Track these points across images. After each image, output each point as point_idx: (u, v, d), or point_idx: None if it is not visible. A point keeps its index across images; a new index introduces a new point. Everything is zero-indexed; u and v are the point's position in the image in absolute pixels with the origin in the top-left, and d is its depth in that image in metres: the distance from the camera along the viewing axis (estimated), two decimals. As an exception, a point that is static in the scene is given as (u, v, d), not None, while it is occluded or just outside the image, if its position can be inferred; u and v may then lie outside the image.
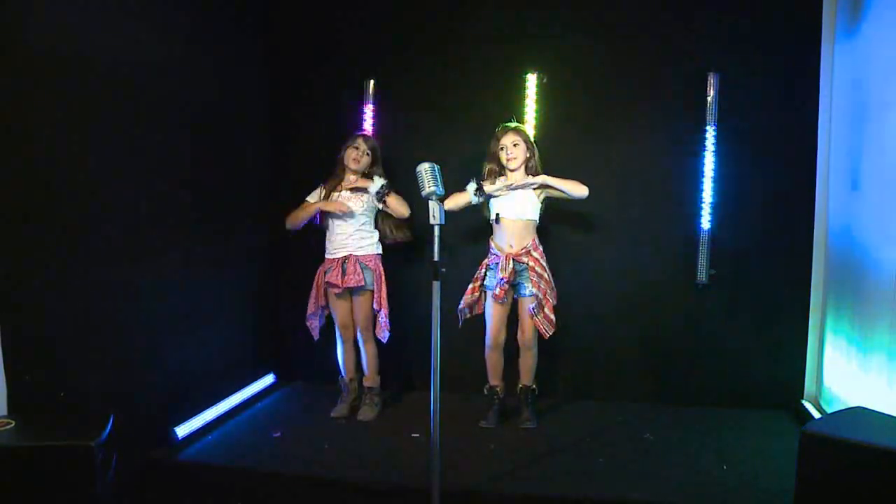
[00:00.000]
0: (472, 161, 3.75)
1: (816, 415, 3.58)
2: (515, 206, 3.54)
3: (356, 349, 3.84)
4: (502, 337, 3.64)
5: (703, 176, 3.80)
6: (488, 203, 3.59)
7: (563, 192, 3.52)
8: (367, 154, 3.72)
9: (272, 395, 4.18)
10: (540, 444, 3.39)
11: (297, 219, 3.71)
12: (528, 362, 3.64)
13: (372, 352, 3.80)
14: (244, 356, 4.12)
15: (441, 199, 2.71)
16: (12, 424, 2.41)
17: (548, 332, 3.53)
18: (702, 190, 3.81)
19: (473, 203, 3.53)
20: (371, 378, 3.83)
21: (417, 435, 3.46)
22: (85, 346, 2.85)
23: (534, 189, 3.55)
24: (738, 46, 3.78)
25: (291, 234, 3.78)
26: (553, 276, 3.61)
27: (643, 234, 3.94)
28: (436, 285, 2.63)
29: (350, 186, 3.68)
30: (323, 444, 3.39)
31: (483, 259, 3.64)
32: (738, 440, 3.42)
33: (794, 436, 2.62)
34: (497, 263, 3.55)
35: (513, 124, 3.64)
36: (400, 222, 3.76)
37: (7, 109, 2.50)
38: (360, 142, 3.72)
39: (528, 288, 3.52)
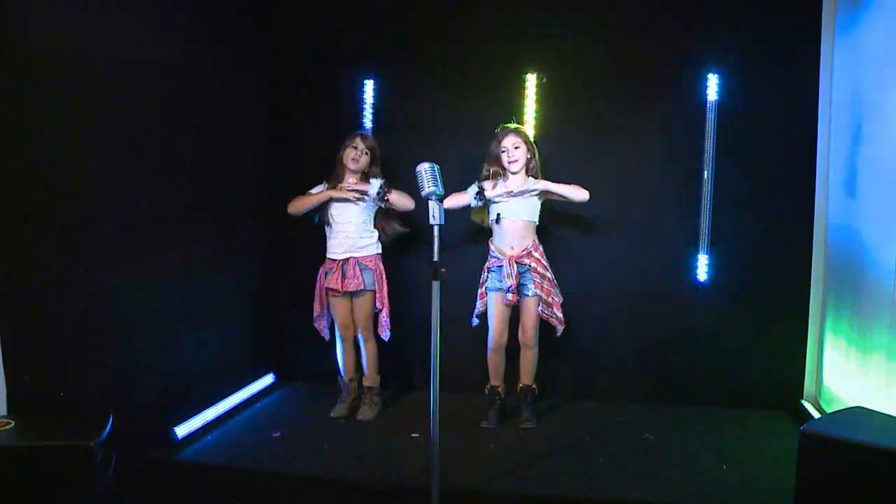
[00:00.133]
0: (471, 161, 3.75)
1: (816, 415, 3.58)
2: (516, 207, 3.54)
3: (356, 349, 3.84)
4: (505, 338, 3.64)
5: (702, 176, 3.80)
6: (488, 207, 3.59)
7: (564, 197, 3.53)
8: (366, 153, 3.72)
9: (272, 395, 4.18)
10: (540, 444, 3.39)
11: (302, 205, 3.70)
12: (528, 362, 3.65)
13: (372, 351, 3.80)
14: (244, 356, 4.12)
15: (441, 199, 2.71)
16: (12, 424, 2.41)
17: (558, 328, 3.57)
18: (701, 190, 3.81)
19: (473, 206, 3.52)
20: (371, 378, 3.83)
21: (417, 435, 3.46)
22: (85, 346, 2.85)
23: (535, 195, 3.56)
24: (738, 46, 3.77)
25: (287, 233, 3.77)
26: (553, 275, 3.61)
27: (643, 233, 3.94)
28: (435, 285, 2.63)
29: (349, 189, 3.67)
30: (323, 444, 3.39)
31: (483, 262, 3.65)
32: (738, 440, 3.42)
33: (793, 436, 2.62)
34: (499, 266, 3.55)
35: (513, 125, 3.64)
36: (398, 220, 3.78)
37: (7, 109, 2.50)
38: (358, 141, 3.72)
39: (531, 289, 3.53)
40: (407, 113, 4.14)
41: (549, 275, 3.56)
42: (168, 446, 3.26)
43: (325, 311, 3.81)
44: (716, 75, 3.74)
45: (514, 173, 3.58)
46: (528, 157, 3.59)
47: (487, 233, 3.68)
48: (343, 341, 3.81)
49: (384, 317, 3.73)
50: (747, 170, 3.81)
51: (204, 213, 3.63)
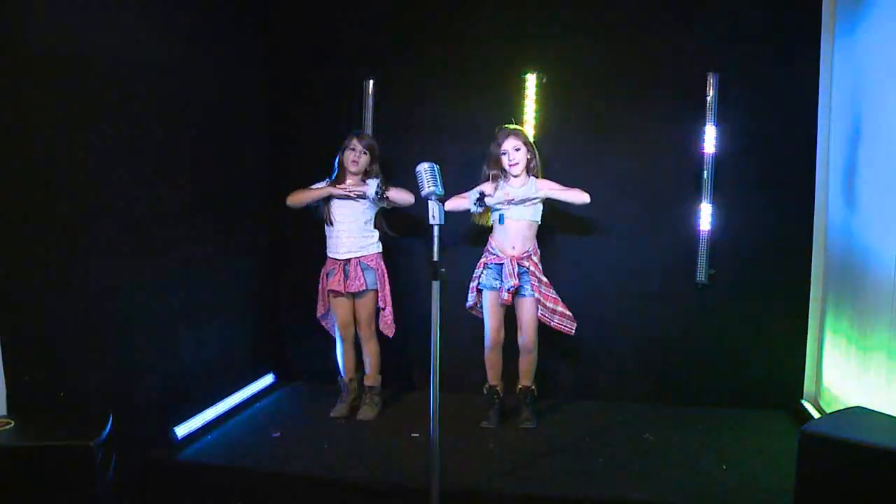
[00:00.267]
0: (471, 161, 3.75)
1: (816, 414, 3.58)
2: (519, 207, 3.54)
3: (356, 349, 3.84)
4: (501, 335, 3.65)
5: (702, 176, 3.80)
6: (490, 210, 3.59)
7: (566, 201, 3.53)
8: (365, 153, 3.71)
9: (272, 395, 4.18)
10: (540, 444, 3.39)
11: (302, 198, 3.69)
12: (527, 364, 3.65)
13: (374, 351, 3.81)
14: (244, 356, 4.12)
15: (440, 199, 2.71)
16: (12, 424, 2.41)
17: (571, 328, 3.56)
18: (701, 190, 3.81)
19: (473, 212, 3.51)
20: (372, 377, 3.83)
21: (417, 435, 3.46)
22: (84, 346, 2.85)
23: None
24: (738, 46, 3.78)
25: (287, 233, 3.76)
26: (553, 276, 3.62)
27: (643, 233, 3.94)
28: (435, 285, 2.63)
29: (348, 192, 3.66)
30: (323, 444, 3.39)
31: (480, 258, 3.64)
32: (738, 440, 3.42)
33: (793, 436, 2.62)
34: (497, 265, 3.55)
35: (512, 126, 3.64)
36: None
37: (7, 109, 2.50)
38: (355, 142, 3.70)
39: (529, 290, 3.53)
40: (406, 113, 4.14)
41: (545, 280, 3.57)
42: (168, 446, 3.25)
43: (329, 311, 3.81)
44: (716, 75, 3.74)
45: (515, 176, 3.58)
46: (529, 157, 3.59)
47: (488, 232, 3.67)
48: (343, 341, 3.81)
49: (388, 315, 3.73)
50: (747, 170, 3.81)
51: (204, 213, 3.63)
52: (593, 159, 3.94)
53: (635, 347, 4.01)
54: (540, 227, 3.64)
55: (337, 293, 3.70)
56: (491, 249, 3.61)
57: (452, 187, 3.45)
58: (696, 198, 3.83)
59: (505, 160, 3.57)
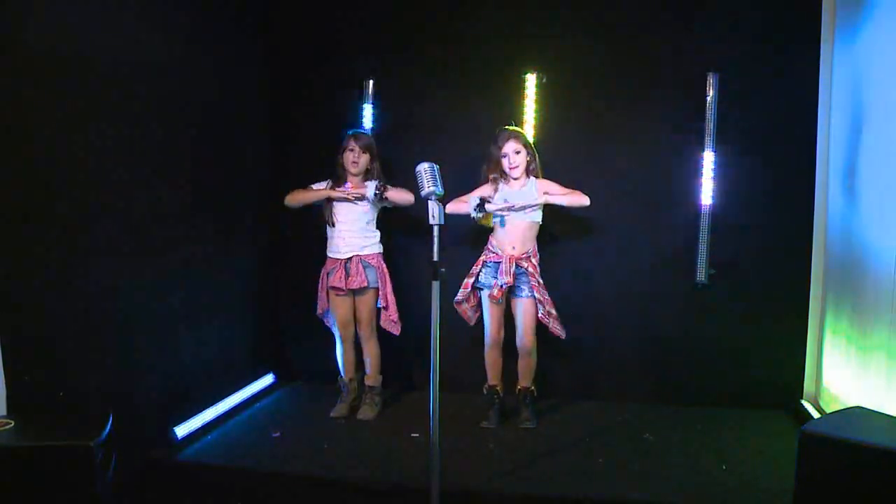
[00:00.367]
0: (471, 161, 3.75)
1: (816, 414, 3.58)
2: (520, 212, 3.54)
3: (356, 349, 3.85)
4: (501, 335, 3.65)
5: (702, 176, 3.80)
6: (491, 213, 3.58)
7: (566, 206, 3.53)
8: (364, 152, 3.71)
9: (272, 395, 4.18)
10: (540, 444, 3.39)
11: (300, 198, 3.70)
12: (527, 366, 3.65)
13: (374, 350, 3.81)
14: (244, 356, 4.12)
15: (440, 199, 2.71)
16: (12, 424, 2.41)
17: (563, 333, 3.58)
18: (701, 190, 3.81)
19: (472, 216, 3.50)
20: (373, 377, 3.83)
21: (417, 435, 3.47)
22: (84, 346, 2.85)
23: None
24: (738, 46, 3.77)
25: (287, 233, 3.76)
26: (552, 276, 3.63)
27: (643, 234, 3.94)
28: (435, 285, 2.63)
29: (347, 196, 3.66)
30: (322, 443, 3.39)
31: (479, 256, 3.64)
32: (738, 440, 3.42)
33: (793, 436, 2.62)
34: (496, 263, 3.55)
35: (512, 128, 3.63)
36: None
37: (7, 109, 2.50)
38: (352, 143, 3.70)
39: (527, 291, 3.53)
40: (407, 113, 4.14)
41: (542, 282, 3.57)
42: (168, 446, 3.26)
43: (328, 310, 3.82)
44: (716, 75, 3.73)
45: (515, 178, 3.58)
46: (529, 160, 3.59)
47: (488, 232, 3.67)
48: (343, 341, 3.82)
49: (392, 313, 3.73)
50: (747, 169, 3.81)
51: (204, 213, 3.63)
52: (593, 159, 3.94)
53: (635, 347, 4.01)
54: (541, 227, 3.64)
55: (338, 290, 3.70)
56: (491, 248, 3.61)
57: (452, 187, 3.44)
58: (696, 197, 3.82)
59: (505, 163, 3.56)
